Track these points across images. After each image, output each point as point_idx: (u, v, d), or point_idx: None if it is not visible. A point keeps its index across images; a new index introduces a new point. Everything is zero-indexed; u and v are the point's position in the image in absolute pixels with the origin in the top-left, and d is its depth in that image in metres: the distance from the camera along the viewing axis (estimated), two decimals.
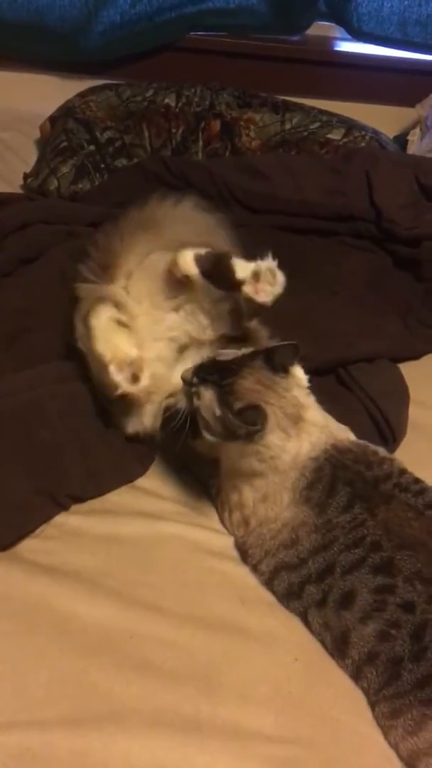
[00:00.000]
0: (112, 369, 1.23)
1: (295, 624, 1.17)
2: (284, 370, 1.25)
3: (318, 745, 1.04)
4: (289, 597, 1.17)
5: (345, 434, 1.29)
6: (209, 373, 1.21)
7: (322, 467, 1.20)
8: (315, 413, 1.26)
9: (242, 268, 1.29)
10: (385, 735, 1.04)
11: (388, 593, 1.08)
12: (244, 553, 1.25)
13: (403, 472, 1.22)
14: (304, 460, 1.20)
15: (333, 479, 1.19)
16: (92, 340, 1.26)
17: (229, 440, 1.19)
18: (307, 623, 1.15)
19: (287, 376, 1.25)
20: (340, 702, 1.09)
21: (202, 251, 1.32)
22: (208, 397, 1.20)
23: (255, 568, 1.22)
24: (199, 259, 1.30)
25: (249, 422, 1.16)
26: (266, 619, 1.18)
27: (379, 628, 1.07)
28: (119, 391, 1.24)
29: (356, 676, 1.08)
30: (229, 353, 1.26)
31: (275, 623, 1.17)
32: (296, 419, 1.22)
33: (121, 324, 1.28)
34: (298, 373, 1.31)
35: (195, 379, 1.22)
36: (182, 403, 1.29)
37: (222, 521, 1.32)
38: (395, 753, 1.03)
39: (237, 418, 1.16)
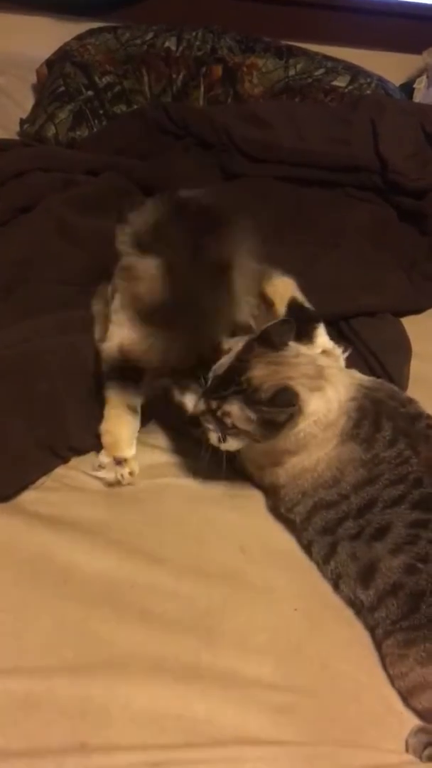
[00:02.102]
0: (103, 455, 1.27)
1: (296, 574, 1.18)
2: (280, 345, 1.21)
3: (317, 693, 1.05)
4: (323, 533, 1.18)
5: (359, 373, 1.32)
6: (221, 389, 1.17)
7: (363, 405, 1.20)
8: (326, 359, 1.27)
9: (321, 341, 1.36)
10: (392, 665, 1.06)
11: (421, 528, 1.10)
12: (276, 501, 1.25)
13: (428, 415, 1.24)
14: (345, 403, 1.20)
15: (377, 414, 1.19)
16: (104, 415, 1.29)
17: (276, 433, 1.16)
18: (329, 556, 1.16)
19: (287, 346, 1.22)
20: (339, 651, 1.10)
21: (299, 298, 1.37)
22: (235, 409, 1.15)
23: (290, 511, 1.22)
24: (294, 302, 1.35)
25: (285, 404, 1.13)
26: (266, 569, 1.19)
27: (408, 561, 1.09)
28: (98, 474, 1.27)
29: (376, 605, 1.10)
30: (223, 362, 1.20)
31: (275, 573, 1.18)
32: (319, 373, 1.20)
33: (130, 410, 1.29)
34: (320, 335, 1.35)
35: (213, 403, 1.17)
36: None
37: (251, 478, 1.31)
38: (396, 683, 1.06)
39: (272, 406, 1.13)
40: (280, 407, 1.13)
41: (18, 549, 1.16)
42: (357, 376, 1.29)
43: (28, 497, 1.23)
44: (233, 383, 1.16)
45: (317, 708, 1.04)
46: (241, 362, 1.18)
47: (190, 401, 1.26)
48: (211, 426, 1.19)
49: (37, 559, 1.15)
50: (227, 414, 1.16)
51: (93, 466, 1.28)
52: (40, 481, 1.26)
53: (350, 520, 1.15)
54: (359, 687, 1.07)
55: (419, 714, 1.05)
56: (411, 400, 1.27)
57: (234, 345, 1.22)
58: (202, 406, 1.20)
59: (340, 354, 1.40)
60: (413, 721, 1.04)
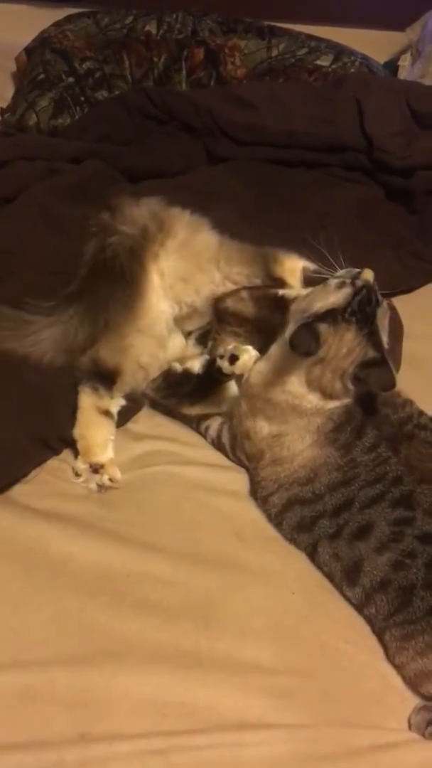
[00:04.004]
0: (79, 461, 1.26)
1: (293, 558, 1.18)
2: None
3: (317, 675, 1.05)
4: (298, 530, 1.17)
5: None
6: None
7: (351, 409, 1.19)
8: None
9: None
10: (393, 656, 1.06)
11: (406, 525, 1.10)
12: (255, 484, 1.25)
13: (421, 413, 1.24)
14: (330, 407, 1.19)
15: (363, 423, 1.19)
16: (76, 420, 1.28)
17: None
18: (312, 554, 1.16)
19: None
20: (339, 632, 1.10)
21: (310, 266, 1.38)
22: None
23: (265, 500, 1.22)
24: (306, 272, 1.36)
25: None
26: (263, 553, 1.18)
27: (394, 558, 1.08)
28: (78, 482, 1.26)
29: (364, 603, 1.10)
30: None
31: (272, 558, 1.18)
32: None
33: (101, 412, 1.28)
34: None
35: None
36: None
37: (232, 452, 1.31)
38: (400, 673, 1.06)
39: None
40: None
41: (12, 542, 1.15)
42: None
43: (21, 490, 1.23)
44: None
45: (318, 690, 1.04)
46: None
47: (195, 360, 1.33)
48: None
49: (32, 552, 1.14)
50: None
51: (71, 473, 1.26)
52: (33, 473, 1.25)
53: (326, 518, 1.14)
54: (359, 667, 1.07)
55: (427, 700, 1.05)
56: (406, 403, 1.25)
57: None
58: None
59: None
60: (415, 700, 1.05)
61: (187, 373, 1.33)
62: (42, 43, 2.22)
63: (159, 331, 1.33)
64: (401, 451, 1.16)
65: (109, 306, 1.32)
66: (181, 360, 1.34)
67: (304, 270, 1.38)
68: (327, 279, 1.25)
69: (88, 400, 1.28)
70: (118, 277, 1.33)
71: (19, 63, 2.28)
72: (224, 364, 1.26)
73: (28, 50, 2.25)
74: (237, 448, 1.29)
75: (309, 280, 1.35)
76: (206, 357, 1.34)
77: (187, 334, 1.40)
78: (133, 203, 1.44)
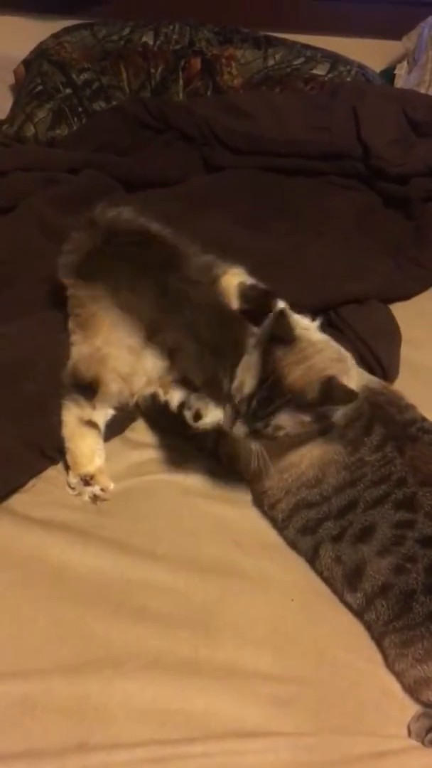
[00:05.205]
0: (71, 474, 1.26)
1: (291, 565, 1.18)
2: (292, 337, 1.15)
3: (316, 682, 1.05)
4: (303, 533, 1.17)
5: (367, 374, 1.30)
6: (264, 409, 1.11)
7: (361, 406, 1.18)
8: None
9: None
10: (392, 663, 1.06)
11: (407, 528, 1.09)
12: (260, 494, 1.24)
13: (423, 418, 1.23)
14: None
15: (371, 418, 1.18)
16: (64, 437, 1.29)
17: (331, 421, 1.14)
18: (313, 559, 1.16)
19: (298, 338, 1.16)
20: (338, 639, 1.10)
21: (247, 281, 1.31)
22: (286, 419, 1.10)
23: (273, 507, 1.21)
24: (243, 291, 1.29)
25: (337, 396, 1.09)
26: (261, 561, 1.18)
27: (395, 562, 1.08)
28: (72, 494, 1.26)
29: (365, 608, 1.10)
30: (245, 381, 1.13)
31: (271, 565, 1.18)
32: (340, 356, 1.19)
33: (84, 423, 1.28)
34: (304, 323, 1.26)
35: (260, 424, 1.11)
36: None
37: (235, 469, 1.30)
38: (399, 680, 1.05)
39: (325, 403, 1.09)
40: (333, 400, 1.09)
41: (11, 551, 1.15)
42: (365, 376, 1.28)
43: (19, 500, 1.23)
44: (277, 397, 1.10)
45: (317, 697, 1.04)
46: (273, 373, 1.11)
47: (174, 394, 1.27)
48: (254, 445, 1.14)
49: (31, 561, 1.14)
50: (278, 427, 1.11)
51: (67, 487, 1.27)
52: (31, 483, 1.26)
53: (331, 520, 1.14)
54: (358, 674, 1.07)
55: (427, 707, 1.04)
56: (409, 407, 1.24)
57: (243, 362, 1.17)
58: (243, 430, 1.13)
59: (313, 326, 1.30)
60: (414, 707, 1.04)
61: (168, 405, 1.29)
62: (40, 54, 2.23)
63: (132, 342, 1.31)
64: (406, 452, 1.15)
65: None
66: (165, 386, 1.30)
67: (240, 285, 1.33)
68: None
69: (70, 414, 1.28)
70: None
71: (17, 75, 2.29)
72: (188, 416, 1.20)
73: (26, 62, 2.27)
74: (235, 466, 1.29)
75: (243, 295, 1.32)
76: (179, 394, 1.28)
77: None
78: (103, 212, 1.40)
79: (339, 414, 1.14)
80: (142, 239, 1.32)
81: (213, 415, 1.18)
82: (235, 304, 1.27)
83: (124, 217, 1.37)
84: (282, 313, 1.15)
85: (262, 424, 1.11)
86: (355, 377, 1.18)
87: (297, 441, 1.17)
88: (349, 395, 1.09)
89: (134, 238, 1.33)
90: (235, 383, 1.15)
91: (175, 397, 1.26)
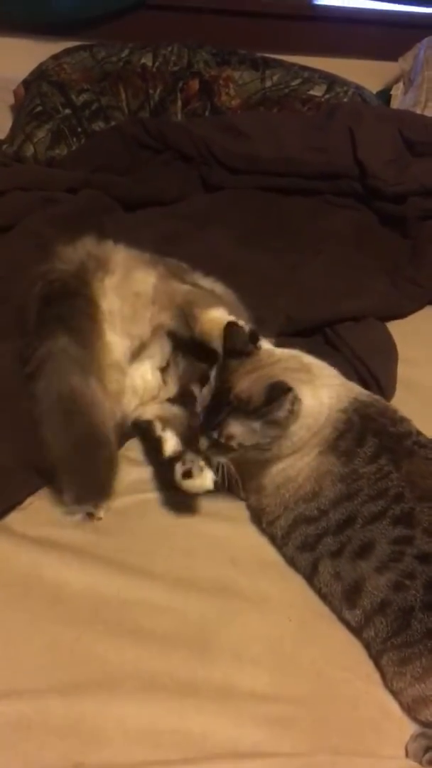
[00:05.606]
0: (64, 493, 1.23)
1: (288, 584, 1.17)
2: (249, 349, 1.20)
3: (313, 702, 1.04)
4: (302, 549, 1.17)
5: (357, 387, 1.30)
6: (214, 417, 1.15)
7: (351, 419, 1.19)
8: (312, 358, 1.25)
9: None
10: (390, 681, 1.05)
11: (406, 544, 1.09)
12: (259, 512, 1.24)
13: (419, 432, 1.23)
14: (335, 413, 1.19)
15: (363, 430, 1.18)
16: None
17: (284, 430, 1.14)
18: (312, 575, 1.15)
19: (257, 349, 1.21)
20: (335, 659, 1.09)
21: (236, 322, 1.25)
22: (236, 427, 1.13)
23: (271, 524, 1.21)
24: (229, 332, 1.23)
25: (280, 395, 1.11)
26: (258, 580, 1.18)
27: (394, 578, 1.07)
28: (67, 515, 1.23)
29: (363, 625, 1.09)
30: (205, 394, 1.19)
31: (267, 584, 1.17)
32: (304, 367, 1.20)
33: None
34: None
35: (214, 434, 1.15)
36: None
37: (231, 489, 1.29)
38: (397, 698, 1.05)
39: (270, 404, 1.11)
40: (278, 401, 1.11)
41: (7, 570, 1.15)
42: (356, 389, 1.28)
43: (16, 518, 1.22)
44: (224, 406, 1.14)
45: (314, 717, 1.03)
46: (223, 384, 1.16)
47: (170, 439, 1.26)
48: (221, 459, 1.17)
49: (27, 580, 1.14)
50: (230, 437, 1.14)
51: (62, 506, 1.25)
52: (28, 501, 1.25)
53: (330, 536, 1.14)
54: (356, 694, 1.06)
55: (425, 727, 1.03)
56: (403, 420, 1.24)
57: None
58: (204, 443, 1.17)
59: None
60: (412, 726, 1.03)
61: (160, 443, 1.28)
62: (40, 75, 2.26)
63: (115, 359, 1.31)
64: (403, 467, 1.15)
65: None
66: (163, 419, 1.30)
67: (225, 328, 1.26)
68: None
69: None
70: (66, 312, 1.30)
71: (17, 95, 2.32)
72: (177, 470, 1.19)
73: (26, 83, 2.29)
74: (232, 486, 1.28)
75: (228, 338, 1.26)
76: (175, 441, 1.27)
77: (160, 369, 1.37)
78: (69, 245, 1.41)
79: (300, 425, 1.15)
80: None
81: (203, 480, 1.18)
82: (218, 345, 1.25)
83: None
84: (233, 326, 1.20)
85: (216, 433, 1.14)
86: (323, 389, 1.19)
87: (273, 457, 1.18)
88: (292, 400, 1.11)
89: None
90: (199, 399, 1.20)
91: (169, 443, 1.25)
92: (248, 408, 1.13)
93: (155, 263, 1.41)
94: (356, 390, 1.28)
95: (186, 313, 1.31)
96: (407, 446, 1.18)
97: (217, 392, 1.17)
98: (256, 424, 1.13)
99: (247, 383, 1.15)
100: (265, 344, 1.26)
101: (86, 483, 1.21)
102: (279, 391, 1.11)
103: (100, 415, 1.23)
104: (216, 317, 1.29)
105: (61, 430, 1.21)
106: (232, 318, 1.27)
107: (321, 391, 1.19)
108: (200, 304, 1.31)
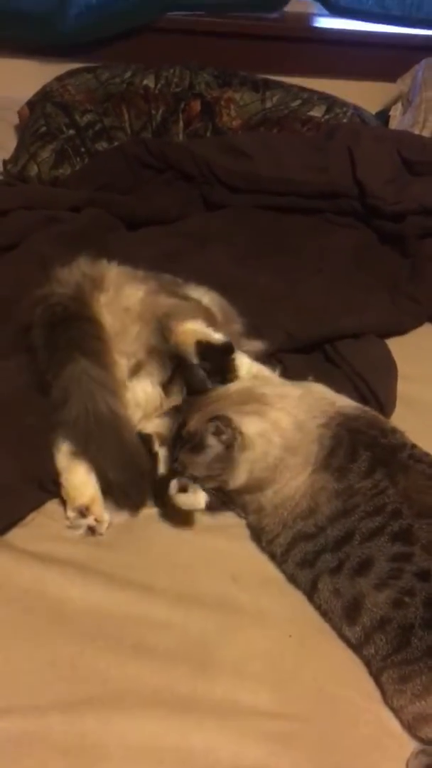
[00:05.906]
0: (68, 509, 1.26)
1: (289, 600, 1.17)
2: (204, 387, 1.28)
3: (314, 719, 1.04)
4: (301, 566, 1.17)
5: (345, 401, 1.31)
6: (175, 451, 1.24)
7: (338, 433, 1.20)
8: (277, 388, 1.30)
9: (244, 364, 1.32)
10: (390, 699, 1.05)
11: (404, 561, 1.09)
12: (258, 531, 1.25)
13: (413, 445, 1.24)
14: (314, 429, 1.21)
15: (353, 444, 1.19)
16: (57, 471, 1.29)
17: (232, 463, 1.19)
18: (312, 592, 1.15)
19: (215, 385, 1.28)
20: (336, 675, 1.09)
21: (205, 338, 1.27)
22: (188, 459, 1.20)
23: (271, 543, 1.22)
24: (199, 345, 1.26)
25: (218, 431, 1.17)
26: (259, 596, 1.18)
27: (394, 596, 1.07)
28: (70, 530, 1.26)
29: (363, 642, 1.09)
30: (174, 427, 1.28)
31: (268, 600, 1.17)
32: (252, 398, 1.24)
33: (72, 455, 1.28)
34: (242, 365, 1.31)
35: (175, 465, 1.23)
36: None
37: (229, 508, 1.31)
38: (398, 716, 1.04)
39: (203, 444, 1.18)
40: (208, 437, 1.18)
41: (9, 586, 1.15)
42: (339, 402, 1.29)
43: (18, 534, 1.23)
44: (178, 440, 1.24)
45: (315, 734, 1.02)
46: (183, 418, 1.25)
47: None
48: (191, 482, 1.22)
49: (29, 595, 1.14)
50: (185, 467, 1.20)
51: (65, 521, 1.27)
52: (30, 516, 1.26)
53: (328, 552, 1.14)
54: (357, 711, 1.06)
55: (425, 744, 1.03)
56: (395, 430, 1.25)
57: None
58: (165, 470, 1.26)
59: (270, 375, 1.36)
60: (412, 744, 1.03)
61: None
62: (44, 96, 2.29)
63: (121, 376, 1.33)
64: (399, 483, 1.15)
65: None
66: (161, 436, 1.31)
67: (197, 345, 1.28)
68: None
69: (60, 449, 1.28)
70: (77, 335, 1.32)
71: (22, 116, 2.35)
72: (173, 485, 1.21)
73: (31, 104, 2.33)
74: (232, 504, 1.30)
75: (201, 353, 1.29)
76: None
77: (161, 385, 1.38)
78: (66, 267, 1.43)
79: (246, 457, 1.20)
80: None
81: (195, 498, 1.21)
82: (193, 360, 1.28)
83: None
84: (189, 368, 1.28)
85: (175, 465, 1.23)
86: (279, 413, 1.23)
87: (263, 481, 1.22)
88: (226, 434, 1.18)
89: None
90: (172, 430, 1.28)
91: (164, 461, 1.28)
92: (194, 443, 1.19)
93: (146, 279, 1.43)
94: (340, 403, 1.29)
95: (163, 326, 1.32)
96: (402, 459, 1.19)
97: (178, 427, 1.26)
98: (204, 458, 1.19)
99: (195, 420, 1.23)
100: (241, 357, 1.31)
101: (136, 493, 1.27)
102: (216, 427, 1.18)
103: (133, 429, 1.29)
104: (190, 329, 1.30)
105: (112, 448, 1.24)
106: (204, 332, 1.29)
107: (273, 414, 1.23)
108: (177, 317, 1.32)
